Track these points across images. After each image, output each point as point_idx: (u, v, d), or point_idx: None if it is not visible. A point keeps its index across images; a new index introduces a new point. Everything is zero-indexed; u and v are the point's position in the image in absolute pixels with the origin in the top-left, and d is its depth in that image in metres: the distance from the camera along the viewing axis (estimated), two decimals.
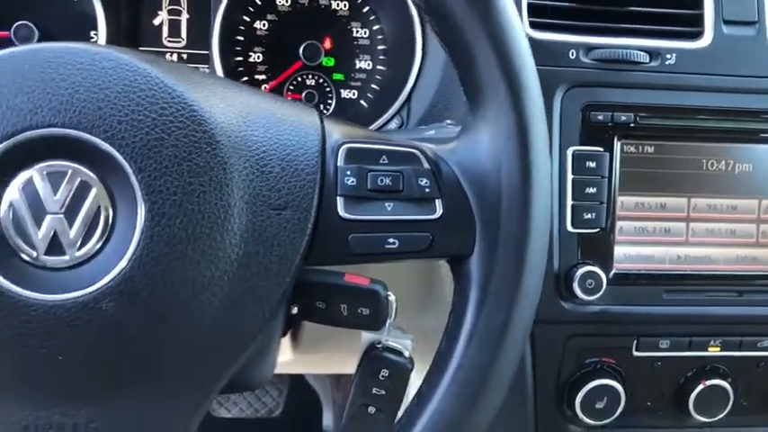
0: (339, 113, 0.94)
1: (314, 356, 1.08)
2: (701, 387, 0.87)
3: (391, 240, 0.58)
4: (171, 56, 0.94)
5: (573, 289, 0.82)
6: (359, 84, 0.96)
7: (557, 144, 0.82)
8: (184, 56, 0.94)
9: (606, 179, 0.83)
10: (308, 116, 0.61)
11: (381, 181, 0.58)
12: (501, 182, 0.58)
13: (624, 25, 0.85)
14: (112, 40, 0.90)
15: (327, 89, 0.95)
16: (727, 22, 0.85)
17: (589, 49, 0.83)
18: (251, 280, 0.55)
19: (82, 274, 0.51)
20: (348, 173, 0.58)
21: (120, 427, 0.54)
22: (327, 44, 0.94)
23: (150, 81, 0.53)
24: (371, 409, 0.63)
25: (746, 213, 0.86)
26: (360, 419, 0.64)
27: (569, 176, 0.82)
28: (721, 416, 0.88)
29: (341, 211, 0.58)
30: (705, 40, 0.85)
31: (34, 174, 0.51)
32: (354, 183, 0.58)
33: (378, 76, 0.95)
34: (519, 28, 0.58)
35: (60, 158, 0.51)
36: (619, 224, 0.84)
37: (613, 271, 0.84)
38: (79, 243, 0.51)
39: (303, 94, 0.94)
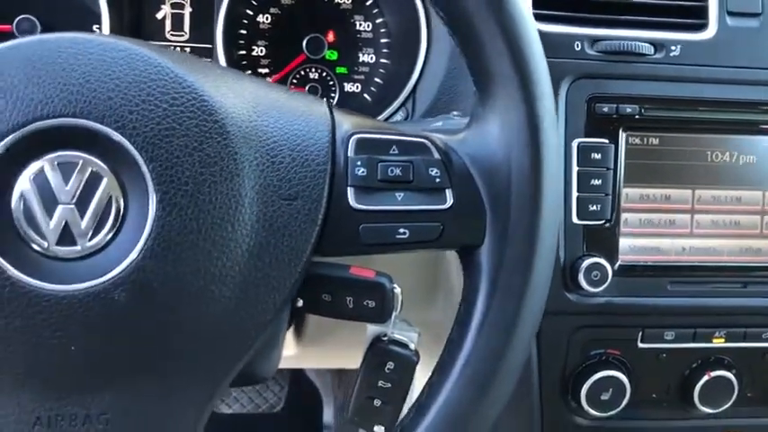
0: (342, 107, 0.94)
1: (317, 351, 1.08)
2: (705, 378, 0.87)
3: (402, 230, 0.58)
4: (174, 50, 0.93)
5: (578, 281, 0.82)
6: (362, 77, 0.95)
7: (562, 136, 0.82)
8: (187, 49, 0.93)
9: (611, 171, 0.83)
10: (317, 107, 0.61)
11: (392, 171, 0.58)
12: (511, 171, 0.58)
13: (629, 17, 0.85)
14: (115, 33, 0.89)
15: (330, 83, 0.95)
16: (731, 14, 0.85)
17: (594, 40, 0.83)
18: (262, 270, 0.55)
19: (93, 265, 0.51)
20: (358, 163, 0.58)
21: (132, 417, 0.54)
22: (330, 37, 0.94)
23: (161, 71, 0.53)
24: (377, 402, 0.63)
25: (751, 205, 0.86)
26: (365, 412, 0.64)
27: (575, 168, 0.82)
28: (726, 407, 0.88)
29: (351, 202, 0.58)
30: (709, 32, 0.85)
31: (45, 164, 0.51)
32: (365, 173, 0.58)
33: (381, 70, 0.95)
34: (530, 19, 0.58)
35: (71, 149, 0.51)
36: (624, 216, 0.84)
37: (618, 263, 0.84)
38: (91, 233, 0.51)
39: (306, 88, 0.94)
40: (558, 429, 0.89)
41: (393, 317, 0.62)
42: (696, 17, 0.85)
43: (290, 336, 0.98)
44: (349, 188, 0.58)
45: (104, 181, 0.51)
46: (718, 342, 0.88)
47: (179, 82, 0.53)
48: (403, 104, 0.91)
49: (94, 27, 0.89)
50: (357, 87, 0.95)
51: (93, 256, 0.51)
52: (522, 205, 0.57)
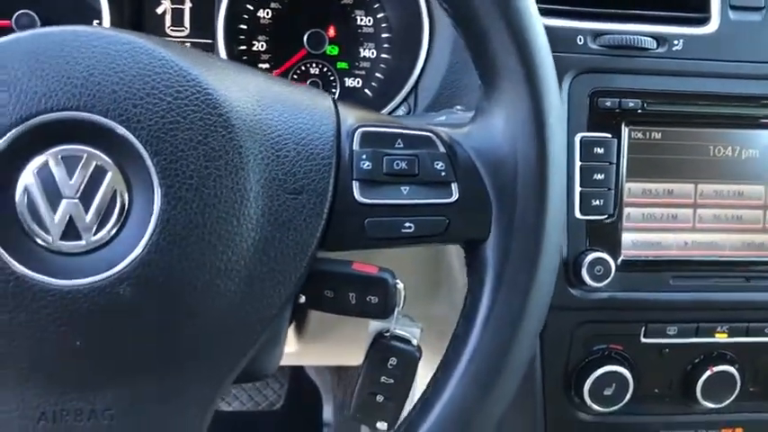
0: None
1: (318, 347, 1.08)
2: (708, 373, 0.87)
3: (407, 224, 0.58)
4: None
5: (581, 276, 0.82)
6: (363, 72, 0.95)
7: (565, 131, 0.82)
8: (188, 45, 0.93)
9: (614, 165, 0.83)
10: (322, 100, 0.60)
11: (397, 165, 0.58)
12: (517, 165, 0.58)
13: (631, 11, 0.84)
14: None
15: (331, 78, 0.95)
16: (733, 8, 0.84)
17: (597, 35, 0.82)
18: (267, 264, 0.55)
19: (98, 259, 0.50)
20: (364, 157, 0.58)
21: (137, 412, 0.53)
22: (331, 32, 0.94)
23: (165, 64, 0.52)
24: (379, 398, 0.63)
25: (753, 199, 0.86)
26: (368, 408, 0.64)
27: (577, 163, 0.82)
28: (728, 402, 0.88)
29: (357, 196, 0.57)
30: (712, 26, 0.85)
31: (49, 158, 0.50)
32: (370, 167, 0.58)
33: (382, 65, 0.95)
34: (535, 12, 0.58)
35: (75, 142, 0.51)
36: (626, 211, 0.84)
37: (621, 257, 0.84)
38: (95, 228, 0.51)
39: (307, 83, 0.93)
40: (561, 425, 0.89)
41: (396, 313, 0.61)
42: (699, 11, 0.85)
43: (291, 332, 0.98)
44: (354, 182, 0.58)
45: (109, 175, 0.51)
46: (721, 337, 0.88)
47: (183, 75, 0.52)
48: (405, 99, 0.91)
49: (95, 22, 0.89)
50: (358, 82, 0.95)
51: (97, 250, 0.51)
52: (528, 199, 0.57)
